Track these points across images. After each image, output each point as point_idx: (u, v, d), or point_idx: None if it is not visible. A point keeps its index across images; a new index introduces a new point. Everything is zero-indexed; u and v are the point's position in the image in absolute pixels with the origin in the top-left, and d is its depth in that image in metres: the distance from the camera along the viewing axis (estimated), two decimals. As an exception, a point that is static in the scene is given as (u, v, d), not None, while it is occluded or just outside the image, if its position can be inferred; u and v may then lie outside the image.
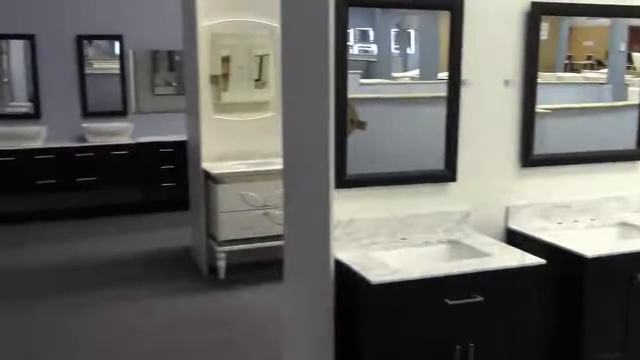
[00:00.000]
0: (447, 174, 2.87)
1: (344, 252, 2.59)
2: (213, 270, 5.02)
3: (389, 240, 2.76)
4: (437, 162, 2.86)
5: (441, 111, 2.84)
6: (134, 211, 7.18)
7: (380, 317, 2.35)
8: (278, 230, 4.91)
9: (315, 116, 2.61)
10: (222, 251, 4.89)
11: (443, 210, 2.88)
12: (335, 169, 2.54)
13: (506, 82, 2.91)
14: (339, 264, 2.54)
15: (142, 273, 5.21)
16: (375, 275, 2.35)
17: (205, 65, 5.13)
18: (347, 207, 2.68)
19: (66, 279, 5.08)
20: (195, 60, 5.04)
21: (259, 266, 5.17)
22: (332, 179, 2.52)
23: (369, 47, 2.91)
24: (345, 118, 2.62)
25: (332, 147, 2.49)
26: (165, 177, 7.33)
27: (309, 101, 2.68)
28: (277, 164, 5.04)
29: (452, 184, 2.89)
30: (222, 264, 4.92)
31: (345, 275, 2.51)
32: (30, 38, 7.17)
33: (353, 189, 2.70)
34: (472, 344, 2.44)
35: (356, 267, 2.45)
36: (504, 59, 2.90)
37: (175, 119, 7.53)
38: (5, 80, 7.44)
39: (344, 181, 2.65)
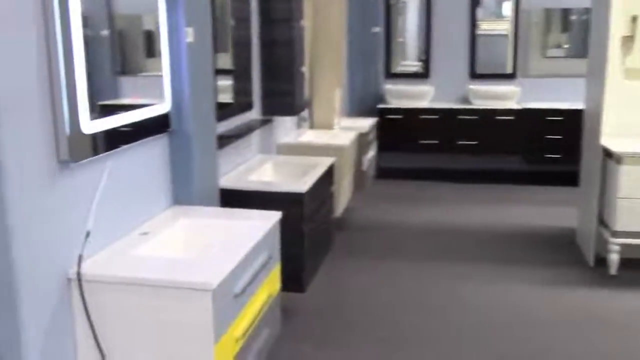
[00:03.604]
0: None
1: None
2: (601, 262, 4.38)
3: None
4: None
5: None
6: (512, 180, 6.84)
7: None
8: (692, 228, 4.04)
9: None
10: (615, 243, 4.20)
11: None
12: None
13: None
14: None
15: (517, 251, 4.83)
16: None
17: (616, 25, 4.40)
18: None
19: (436, 244, 5.00)
20: (606, 19, 4.34)
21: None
22: None
23: None
24: None
25: None
26: (550, 147, 6.79)
27: None
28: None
29: None
30: (614, 257, 4.24)
31: None
32: (427, -2, 7.27)
33: None
34: None
35: None
36: None
37: (566, 85, 6.91)
38: (400, 39, 7.70)
39: None
